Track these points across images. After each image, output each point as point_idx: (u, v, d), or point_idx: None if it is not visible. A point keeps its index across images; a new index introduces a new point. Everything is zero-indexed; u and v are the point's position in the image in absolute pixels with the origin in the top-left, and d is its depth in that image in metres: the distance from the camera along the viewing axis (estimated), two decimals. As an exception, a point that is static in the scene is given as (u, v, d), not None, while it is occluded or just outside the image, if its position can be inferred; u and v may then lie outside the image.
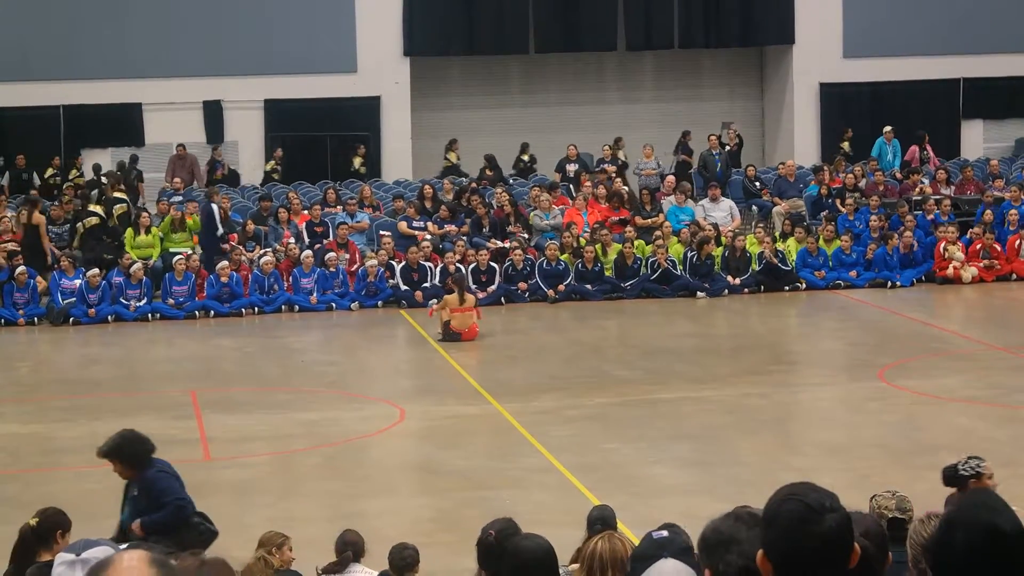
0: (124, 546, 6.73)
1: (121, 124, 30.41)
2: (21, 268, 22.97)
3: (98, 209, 25.07)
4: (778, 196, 27.58)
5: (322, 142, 30.57)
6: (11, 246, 23.98)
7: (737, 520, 3.97)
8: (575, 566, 7.01)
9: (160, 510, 9.22)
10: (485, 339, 20.82)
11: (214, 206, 24.87)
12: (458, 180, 28.61)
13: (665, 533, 4.41)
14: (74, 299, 22.77)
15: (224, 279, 23.21)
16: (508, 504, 12.37)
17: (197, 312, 23.03)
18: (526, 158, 30.48)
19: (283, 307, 23.39)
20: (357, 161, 30.41)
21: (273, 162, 30.24)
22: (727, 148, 29.92)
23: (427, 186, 27.05)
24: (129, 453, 9.33)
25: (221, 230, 24.65)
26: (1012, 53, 32.35)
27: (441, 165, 30.91)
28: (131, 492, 9.41)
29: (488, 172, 29.33)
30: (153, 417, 16.40)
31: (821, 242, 24.92)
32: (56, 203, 26.07)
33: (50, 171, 29.13)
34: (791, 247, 24.82)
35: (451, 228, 25.52)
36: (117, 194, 26.03)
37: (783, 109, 33.07)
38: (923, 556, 5.36)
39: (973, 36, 32.32)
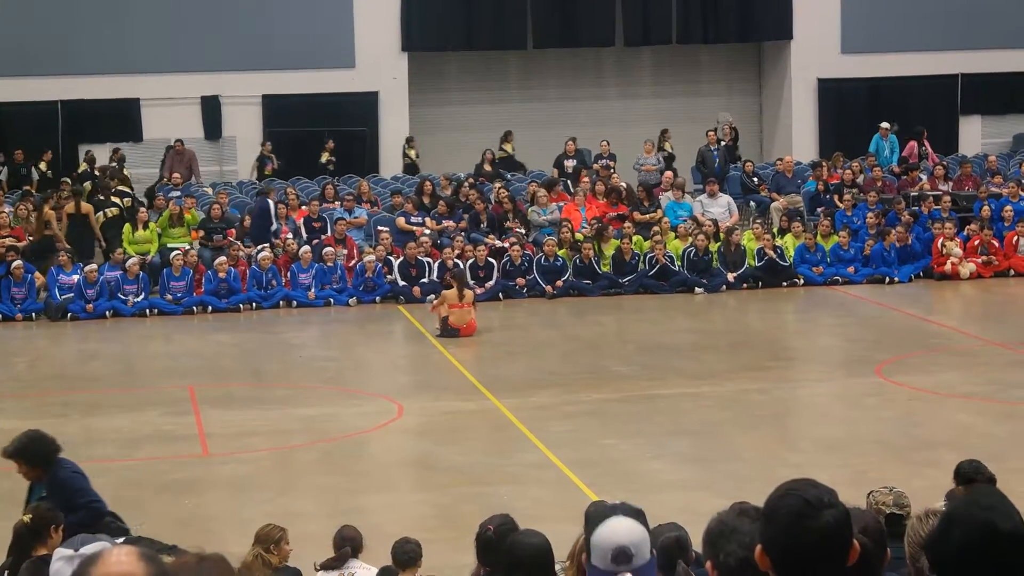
0: (120, 540, 6.77)
1: (119, 119, 30.41)
2: (17, 263, 22.95)
3: (119, 200, 25.26)
4: (776, 192, 27.58)
5: (320, 138, 30.56)
6: (9, 241, 23.98)
7: (741, 513, 3.98)
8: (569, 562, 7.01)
9: (74, 511, 8.99)
10: (483, 335, 20.81)
11: (270, 202, 25.04)
12: (455, 176, 28.58)
13: (617, 503, 4.50)
14: (72, 295, 22.76)
15: (222, 275, 23.20)
16: (506, 500, 12.37)
17: (195, 308, 23.02)
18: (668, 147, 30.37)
19: (281, 303, 23.39)
20: (413, 153, 30.40)
21: (327, 153, 30.27)
22: (722, 143, 29.91)
23: (426, 182, 27.03)
24: (34, 453, 9.11)
25: (276, 225, 24.77)
26: (1010, 49, 32.36)
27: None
28: (38, 493, 9.13)
29: (487, 168, 29.31)
30: (151, 412, 16.43)
31: (819, 238, 24.93)
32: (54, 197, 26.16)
33: (83, 167, 29.17)
34: (788, 243, 24.82)
35: (449, 224, 25.49)
36: (122, 187, 26.11)
37: (781, 105, 33.08)
38: (921, 554, 5.36)
39: (971, 32, 32.33)
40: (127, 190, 26.61)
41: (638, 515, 4.32)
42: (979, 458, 13.55)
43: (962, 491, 8.47)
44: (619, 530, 4.21)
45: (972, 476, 8.26)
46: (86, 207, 24.83)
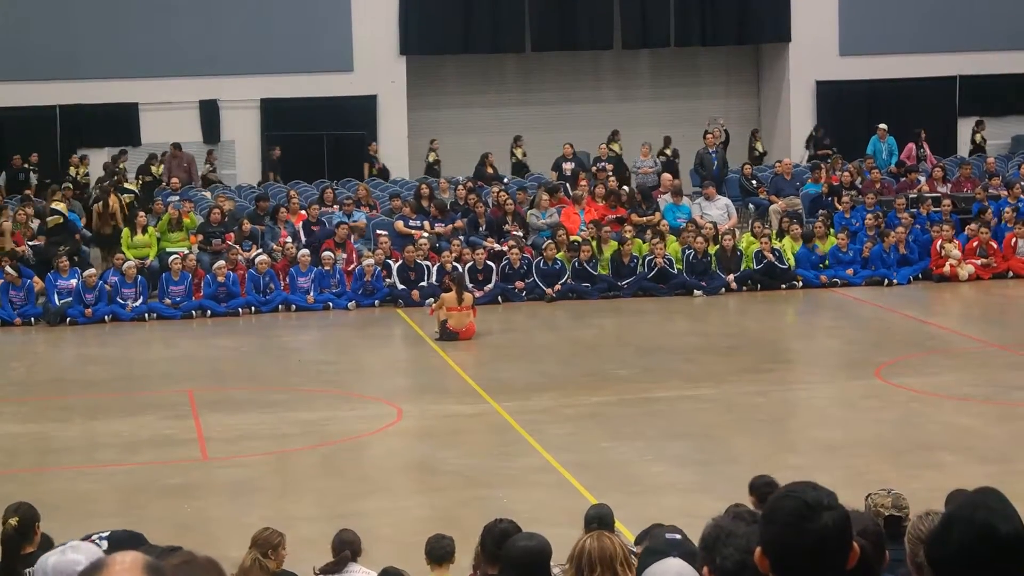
0: (100, 534, 6.75)
1: (117, 124, 30.44)
2: (8, 270, 22.91)
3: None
4: (775, 194, 27.57)
5: (318, 141, 30.57)
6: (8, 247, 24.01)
7: (736, 517, 3.99)
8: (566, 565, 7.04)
9: None
10: (482, 338, 20.81)
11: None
12: (455, 179, 28.58)
13: (678, 536, 4.54)
14: (70, 299, 22.74)
15: (221, 279, 23.19)
16: (505, 503, 12.36)
17: (194, 312, 23.00)
18: (669, 152, 30.29)
19: (280, 306, 23.38)
20: (520, 152, 30.34)
21: (434, 153, 30.26)
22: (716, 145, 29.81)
23: (424, 185, 27.00)
24: None
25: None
26: (1008, 50, 32.39)
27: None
28: None
29: (489, 170, 29.32)
30: (151, 417, 16.42)
31: (815, 240, 24.87)
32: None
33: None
34: (787, 245, 24.79)
35: (441, 228, 25.35)
36: (127, 185, 26.81)
37: (779, 107, 33.09)
38: (920, 548, 5.36)
39: (969, 33, 32.36)
40: (132, 188, 27.01)
41: (692, 557, 4.36)
42: (978, 459, 13.61)
43: (754, 501, 8.57)
44: (670, 571, 4.24)
45: (764, 491, 8.42)
46: (126, 199, 25.53)
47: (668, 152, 30.47)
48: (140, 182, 28.81)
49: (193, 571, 3.44)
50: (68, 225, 24.67)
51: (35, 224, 25.21)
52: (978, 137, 31.86)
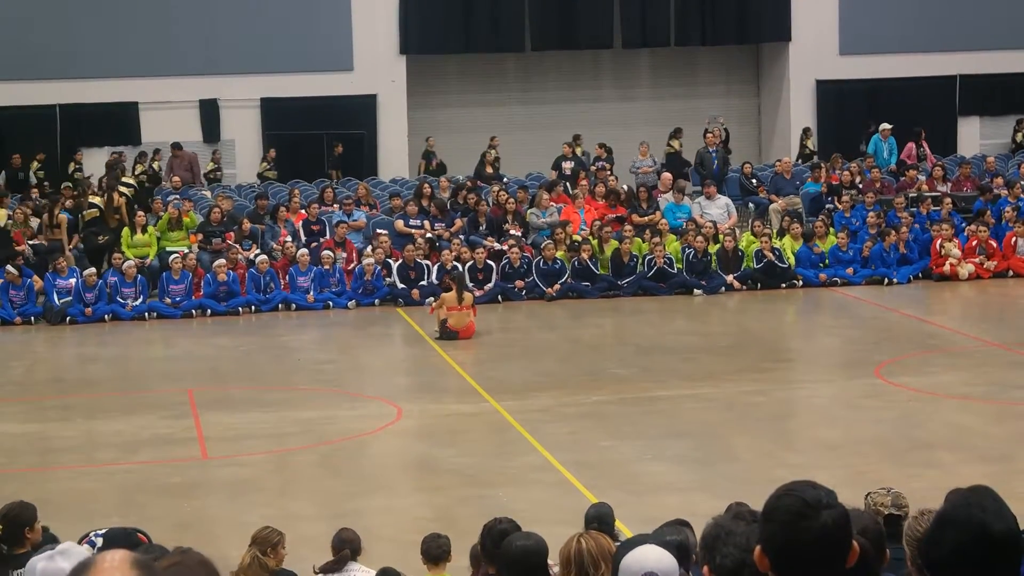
0: (97, 532, 6.74)
1: (117, 123, 30.44)
2: (9, 269, 22.90)
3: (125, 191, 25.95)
4: (775, 193, 27.56)
5: (318, 141, 30.56)
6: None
7: (737, 516, 4.00)
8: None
9: None
10: (482, 337, 20.81)
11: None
12: (455, 178, 28.57)
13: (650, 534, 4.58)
14: (70, 298, 22.75)
15: (221, 278, 23.19)
16: (505, 502, 12.37)
17: (194, 311, 23.01)
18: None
19: (280, 306, 23.38)
20: (579, 150, 30.30)
21: (494, 151, 30.15)
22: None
23: (425, 184, 26.98)
24: None
25: None
26: (1008, 50, 32.39)
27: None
28: None
29: (489, 170, 29.31)
30: (150, 416, 16.42)
31: (815, 239, 24.88)
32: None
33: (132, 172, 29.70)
34: (787, 244, 24.79)
35: (441, 229, 25.32)
36: (125, 179, 27.02)
37: (779, 106, 33.08)
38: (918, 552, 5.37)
39: (970, 32, 32.35)
40: (131, 182, 27.10)
41: (668, 546, 4.36)
42: (978, 459, 13.61)
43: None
44: (649, 556, 4.26)
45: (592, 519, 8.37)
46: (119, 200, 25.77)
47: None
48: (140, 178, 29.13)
49: (185, 571, 3.39)
50: (104, 218, 24.99)
51: (35, 223, 25.21)
52: (1019, 136, 31.95)
